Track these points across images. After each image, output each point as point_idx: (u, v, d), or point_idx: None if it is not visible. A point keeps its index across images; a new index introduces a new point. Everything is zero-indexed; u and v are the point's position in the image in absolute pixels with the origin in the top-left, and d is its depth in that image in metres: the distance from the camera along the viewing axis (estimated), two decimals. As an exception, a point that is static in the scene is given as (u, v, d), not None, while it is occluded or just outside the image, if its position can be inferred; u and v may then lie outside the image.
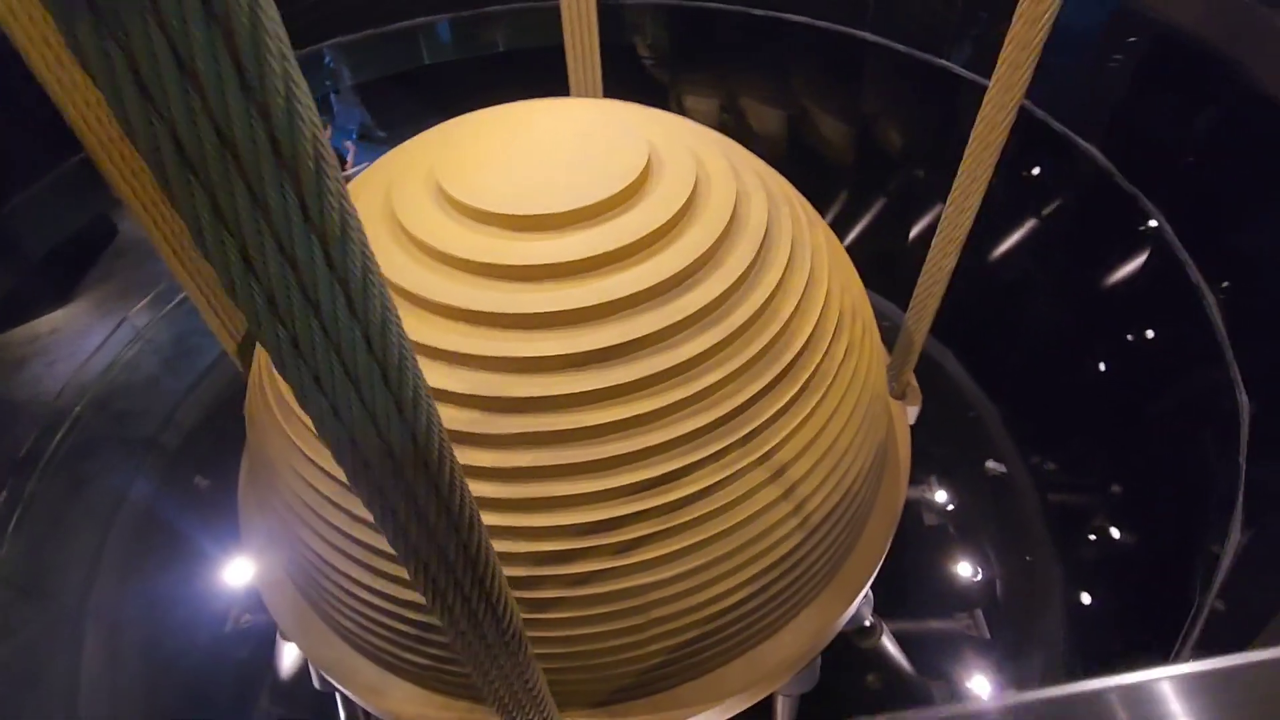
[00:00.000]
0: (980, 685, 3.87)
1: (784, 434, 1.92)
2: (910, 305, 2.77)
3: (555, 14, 3.90)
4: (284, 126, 0.53)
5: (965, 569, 4.48)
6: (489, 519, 1.77)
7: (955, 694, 4.02)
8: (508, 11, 4.34)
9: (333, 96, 6.07)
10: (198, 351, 4.34)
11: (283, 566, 2.40)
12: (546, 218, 1.88)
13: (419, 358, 1.77)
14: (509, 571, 1.80)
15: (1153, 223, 3.75)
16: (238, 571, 4.21)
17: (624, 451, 1.73)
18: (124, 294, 4.54)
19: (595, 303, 1.77)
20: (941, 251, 2.49)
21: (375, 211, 2.06)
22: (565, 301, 1.77)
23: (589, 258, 1.82)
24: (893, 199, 5.19)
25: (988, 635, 4.38)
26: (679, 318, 1.80)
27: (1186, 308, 3.06)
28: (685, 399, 1.77)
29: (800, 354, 1.98)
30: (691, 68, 4.78)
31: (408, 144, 2.35)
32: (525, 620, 1.74)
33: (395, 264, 1.86)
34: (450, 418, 1.73)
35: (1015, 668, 3.77)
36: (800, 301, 2.04)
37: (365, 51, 5.36)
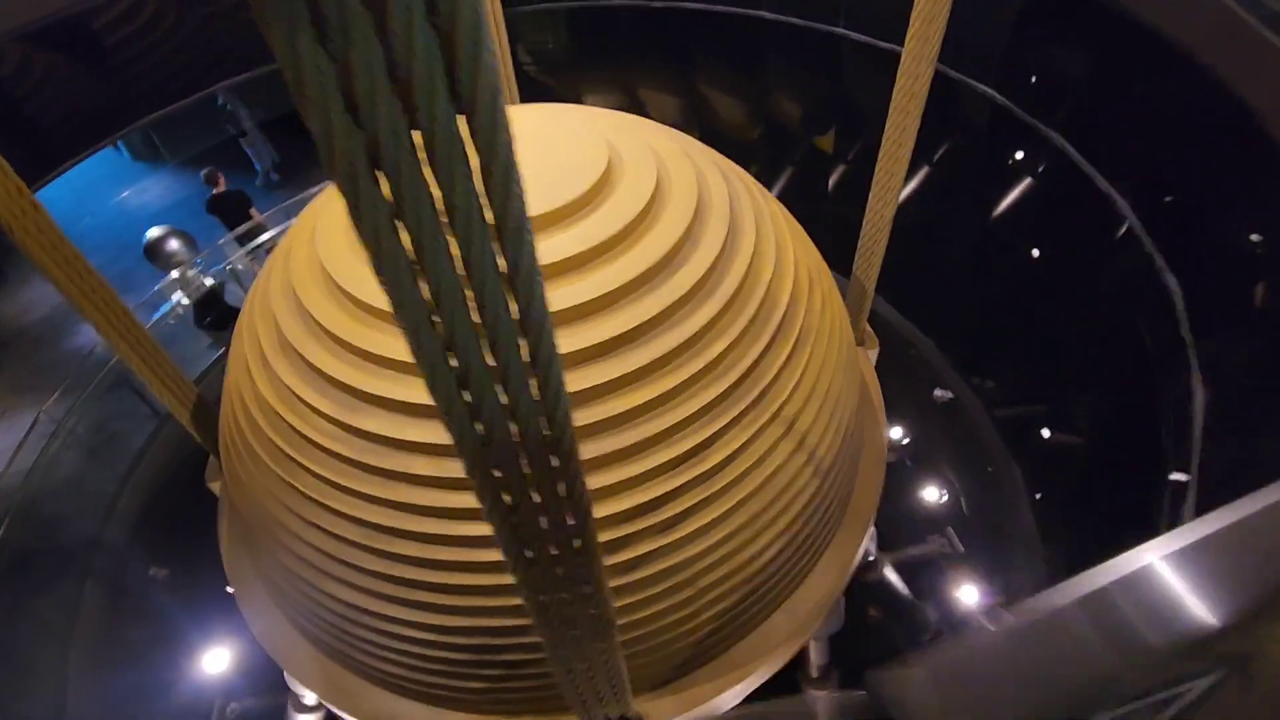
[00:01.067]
0: (969, 594, 4.18)
1: (790, 388, 2.02)
2: (857, 255, 2.96)
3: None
4: (486, 129, 0.55)
5: (931, 494, 4.81)
6: (531, 526, 1.77)
7: (946, 611, 4.31)
8: None
9: (241, 141, 5.64)
10: (122, 437, 3.98)
11: (303, 630, 2.28)
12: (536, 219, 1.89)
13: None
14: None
15: (1021, 151, 4.14)
16: (215, 660, 3.92)
17: (655, 431, 1.77)
18: (18, 392, 4.10)
19: (596, 295, 1.80)
20: (880, 200, 2.68)
21: (344, 241, 2.00)
22: (566, 299, 1.79)
23: (577, 254, 1.85)
24: (801, 167, 5.46)
25: (961, 549, 4.73)
26: (677, 295, 1.86)
27: (1100, 213, 3.41)
28: (700, 371, 1.84)
29: (787, 312, 2.09)
30: (593, 67, 4.83)
31: None
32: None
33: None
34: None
35: (997, 567, 4.09)
36: (775, 265, 2.16)
37: (263, 88, 5.02)
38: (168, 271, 4.22)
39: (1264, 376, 2.33)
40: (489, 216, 0.64)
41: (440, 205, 0.63)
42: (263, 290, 2.20)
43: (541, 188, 1.93)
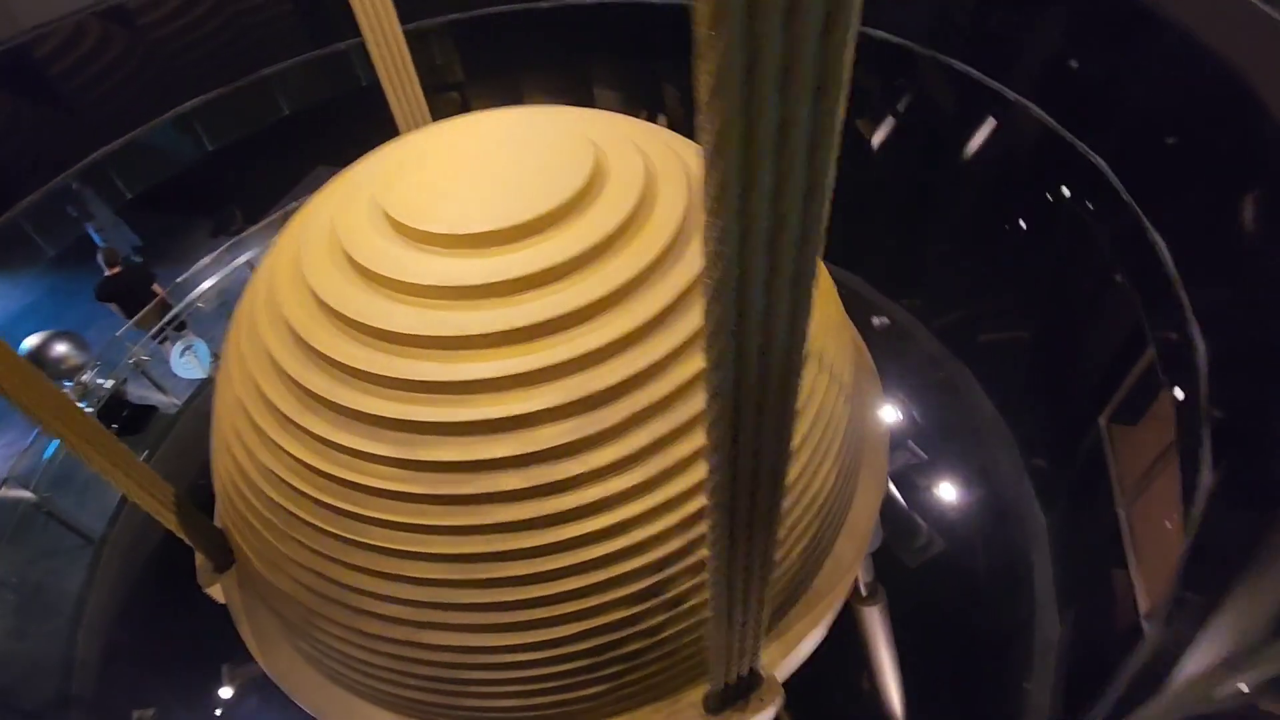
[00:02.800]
0: (947, 491, 4.56)
1: (817, 329, 2.15)
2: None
3: (336, 61, 3.64)
4: (834, 59, 0.60)
5: (890, 414, 5.18)
6: (624, 513, 1.76)
7: (928, 514, 4.68)
8: (286, 70, 3.89)
9: (89, 228, 4.91)
10: (55, 578, 3.45)
11: (387, 699, 2.11)
12: (536, 221, 1.87)
13: (505, 391, 1.73)
14: (669, 548, 1.82)
15: (901, 73, 4.49)
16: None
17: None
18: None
19: (634, 274, 1.82)
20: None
21: (342, 276, 1.88)
22: (607, 283, 1.80)
23: (605, 240, 1.86)
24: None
25: (925, 456, 5.15)
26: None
27: (980, 103, 3.69)
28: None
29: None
30: (485, 77, 4.73)
31: (345, 177, 2.22)
32: (691, 586, 1.80)
33: (453, 320, 1.76)
34: (556, 433, 1.69)
35: (971, 459, 4.48)
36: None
37: (128, 162, 4.42)
38: (59, 381, 3.68)
39: (1218, 217, 2.70)
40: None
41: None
42: (251, 351, 2.02)
43: (546, 186, 1.92)
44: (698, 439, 1.80)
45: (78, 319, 5.24)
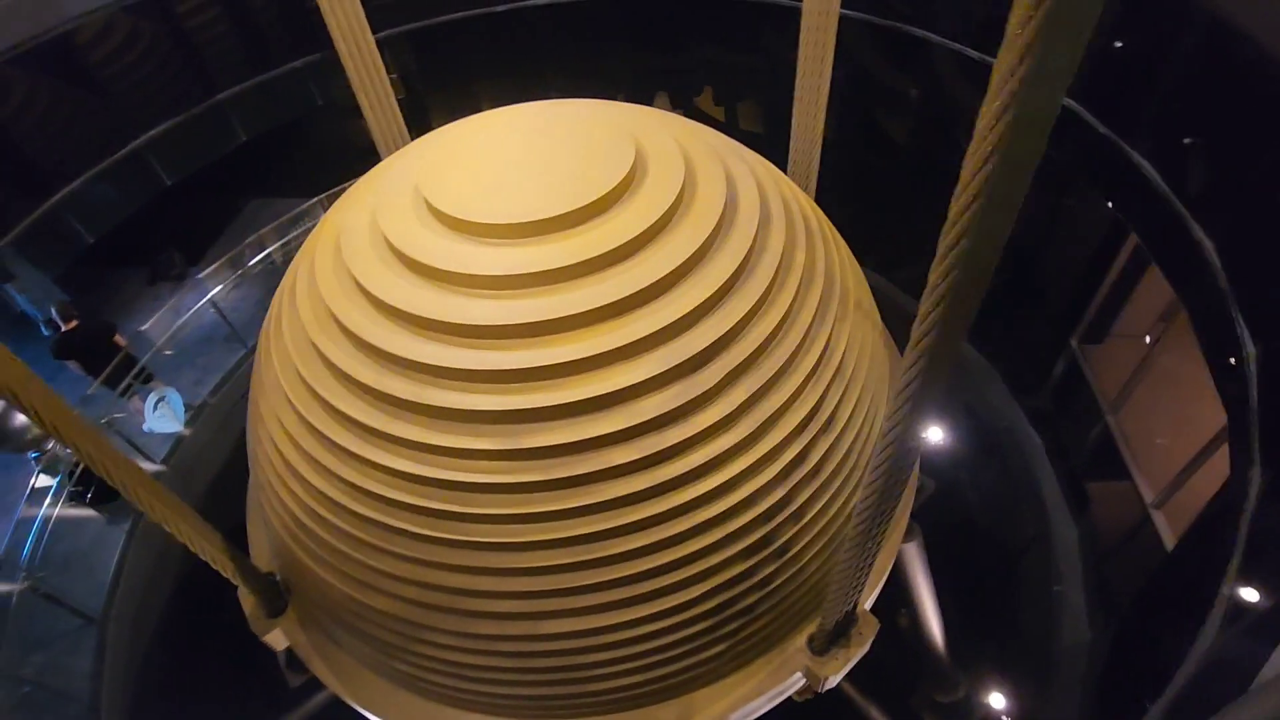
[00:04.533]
0: (945, 433, 4.81)
1: (851, 279, 2.27)
2: (790, 175, 3.27)
3: (293, 80, 3.53)
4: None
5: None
6: (732, 469, 1.81)
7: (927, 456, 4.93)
8: (241, 94, 3.66)
9: (11, 291, 4.39)
10: (64, 666, 3.15)
11: (504, 703, 2.08)
12: (591, 205, 1.89)
13: (606, 367, 1.79)
14: (774, 497, 1.87)
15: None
16: None
17: (796, 341, 1.90)
18: None
19: (696, 249, 1.88)
20: (807, 114, 2.98)
21: (400, 281, 1.84)
22: (675, 257, 1.85)
23: (655, 224, 1.90)
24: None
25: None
26: (753, 226, 2.00)
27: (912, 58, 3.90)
28: (800, 280, 2.00)
29: (820, 223, 2.33)
30: (449, 81, 4.61)
31: (374, 181, 2.18)
32: (794, 533, 1.88)
33: (533, 307, 1.76)
34: (661, 401, 1.72)
35: (955, 397, 4.73)
36: (793, 192, 2.39)
37: (88, 208, 3.99)
38: (22, 453, 3.35)
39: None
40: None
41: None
42: (312, 371, 1.93)
43: (594, 172, 1.95)
44: (786, 390, 1.87)
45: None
